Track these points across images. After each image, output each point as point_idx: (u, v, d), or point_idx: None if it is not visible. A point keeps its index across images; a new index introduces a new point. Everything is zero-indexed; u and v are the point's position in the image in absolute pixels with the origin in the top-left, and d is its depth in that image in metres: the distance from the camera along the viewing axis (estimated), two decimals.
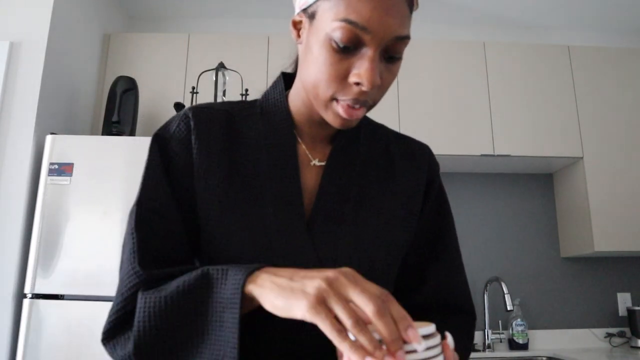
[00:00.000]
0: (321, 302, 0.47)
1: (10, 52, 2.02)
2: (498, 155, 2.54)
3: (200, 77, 2.43)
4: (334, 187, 0.71)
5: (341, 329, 0.46)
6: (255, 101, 0.78)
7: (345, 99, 0.61)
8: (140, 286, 0.60)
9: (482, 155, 2.53)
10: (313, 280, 0.49)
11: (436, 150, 2.50)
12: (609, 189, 2.54)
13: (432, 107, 2.57)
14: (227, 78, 2.34)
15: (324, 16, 0.60)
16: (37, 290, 1.78)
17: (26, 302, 1.76)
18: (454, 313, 0.76)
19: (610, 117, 2.64)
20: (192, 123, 0.71)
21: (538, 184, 2.88)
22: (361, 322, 0.46)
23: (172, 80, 2.52)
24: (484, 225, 2.79)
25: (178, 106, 2.33)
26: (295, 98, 0.73)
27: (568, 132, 2.60)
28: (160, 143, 0.71)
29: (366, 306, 0.46)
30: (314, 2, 0.62)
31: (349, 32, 0.58)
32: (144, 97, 2.46)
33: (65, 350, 1.72)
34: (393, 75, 0.64)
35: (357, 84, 0.60)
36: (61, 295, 1.79)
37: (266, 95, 0.77)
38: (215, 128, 0.71)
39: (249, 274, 0.54)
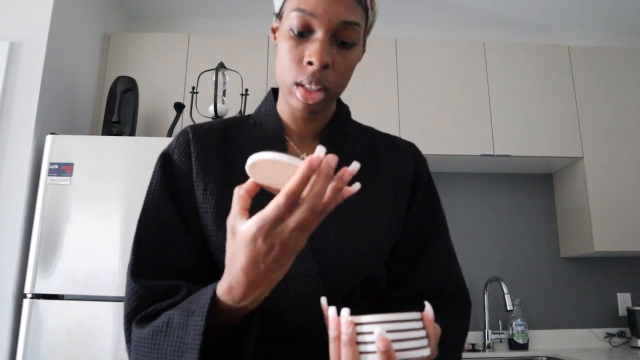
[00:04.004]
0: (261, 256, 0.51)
1: (10, 52, 2.02)
2: (498, 155, 2.54)
3: (200, 77, 2.43)
4: None
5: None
6: (249, 115, 0.84)
7: (302, 79, 0.68)
8: (136, 300, 0.66)
9: (482, 155, 2.53)
10: (273, 264, 0.51)
11: (436, 150, 2.50)
12: (609, 189, 2.53)
13: (432, 107, 2.57)
14: (227, 78, 2.34)
15: (285, 13, 0.70)
16: (37, 290, 1.78)
17: (26, 302, 1.76)
18: (447, 300, 0.78)
19: (610, 117, 2.64)
20: (190, 135, 0.77)
21: (538, 184, 2.88)
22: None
23: (172, 80, 2.52)
24: (484, 225, 2.79)
25: (178, 106, 2.33)
26: (281, 101, 0.79)
27: (568, 132, 2.60)
28: (164, 159, 0.76)
29: (300, 216, 0.49)
30: (282, 5, 0.72)
31: (300, 18, 0.67)
32: (144, 97, 2.46)
33: (65, 350, 1.72)
34: (349, 61, 0.70)
35: (310, 63, 0.67)
36: (61, 295, 1.79)
37: (258, 108, 0.83)
38: (212, 138, 0.77)
39: (208, 313, 0.57)
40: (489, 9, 2.94)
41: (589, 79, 2.68)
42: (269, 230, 0.49)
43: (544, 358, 2.42)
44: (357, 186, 0.50)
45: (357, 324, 0.51)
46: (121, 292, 1.78)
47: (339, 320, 0.51)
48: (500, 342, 2.55)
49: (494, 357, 2.42)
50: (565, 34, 3.15)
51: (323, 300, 0.55)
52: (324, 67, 0.67)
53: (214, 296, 0.57)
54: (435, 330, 0.55)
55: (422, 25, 3.09)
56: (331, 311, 0.52)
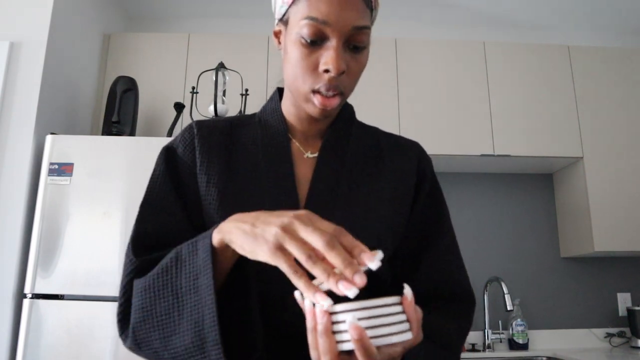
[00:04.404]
0: (279, 247, 0.52)
1: (10, 52, 2.02)
2: (498, 155, 2.54)
3: (200, 77, 2.43)
4: (327, 175, 0.76)
5: (297, 270, 0.51)
6: (254, 114, 0.85)
7: (318, 87, 0.69)
8: (135, 273, 0.67)
9: (482, 155, 2.53)
10: (271, 227, 0.53)
11: (436, 150, 2.50)
12: (609, 189, 2.53)
13: (432, 107, 2.57)
14: (227, 78, 2.34)
15: (294, 20, 0.70)
16: (37, 290, 1.78)
17: (26, 302, 1.76)
18: (449, 300, 0.78)
19: (610, 117, 2.64)
20: (195, 130, 0.79)
21: (538, 184, 2.88)
22: (313, 257, 0.50)
23: (172, 80, 2.52)
24: (484, 225, 2.79)
25: (178, 106, 2.33)
26: (286, 101, 0.81)
27: (568, 132, 2.60)
28: (167, 152, 0.78)
29: (316, 242, 0.50)
30: (287, 11, 0.71)
31: (313, 27, 0.67)
32: (144, 97, 2.46)
33: (65, 350, 1.72)
34: (360, 64, 0.71)
35: (326, 71, 0.68)
36: (61, 295, 1.79)
37: (264, 107, 0.84)
38: (216, 133, 0.79)
39: (214, 231, 0.59)
40: (489, 9, 2.94)
41: (589, 79, 2.68)
42: (292, 220, 0.52)
43: (544, 358, 2.42)
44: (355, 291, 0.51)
45: (332, 313, 0.51)
46: None
47: (314, 311, 0.52)
48: (500, 342, 2.55)
49: (494, 357, 2.42)
50: (565, 34, 3.15)
51: (297, 294, 0.54)
52: (341, 73, 0.68)
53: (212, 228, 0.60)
54: (417, 313, 0.55)
55: (422, 25, 3.09)
56: (307, 302, 0.53)
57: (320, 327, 0.51)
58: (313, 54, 0.68)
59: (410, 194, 0.80)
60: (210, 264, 0.58)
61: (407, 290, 0.54)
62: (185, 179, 0.76)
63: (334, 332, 0.51)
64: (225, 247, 0.58)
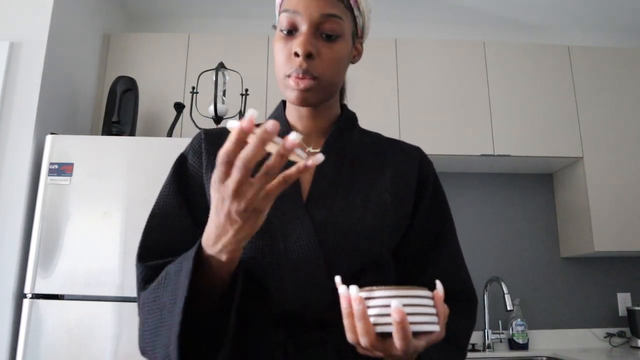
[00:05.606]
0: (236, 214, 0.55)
1: (10, 52, 2.02)
2: (498, 155, 2.54)
3: (200, 77, 2.43)
4: (328, 168, 0.79)
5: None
6: (260, 124, 0.87)
7: (291, 71, 0.74)
8: (141, 279, 0.72)
9: (482, 155, 2.53)
10: (231, 203, 0.54)
11: (436, 150, 2.50)
12: (609, 189, 2.53)
13: (432, 107, 2.57)
14: (227, 78, 2.34)
15: (279, 20, 0.78)
16: (37, 290, 1.78)
17: (26, 302, 1.76)
18: (455, 299, 0.80)
19: (610, 117, 2.64)
20: (203, 136, 0.84)
21: (538, 184, 2.88)
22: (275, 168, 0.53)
23: (172, 80, 2.52)
24: (483, 225, 2.79)
25: (178, 106, 2.33)
26: (289, 108, 0.85)
27: (568, 132, 2.60)
28: (179, 160, 0.83)
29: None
30: (279, 14, 0.79)
31: (287, 18, 0.75)
32: (144, 97, 2.46)
33: (65, 350, 1.72)
34: (334, 52, 0.76)
35: (296, 54, 0.73)
36: (61, 295, 1.79)
37: (268, 117, 0.87)
38: (223, 139, 0.82)
39: (196, 254, 0.62)
40: (489, 9, 2.94)
41: (589, 79, 2.68)
42: (217, 185, 0.54)
43: (544, 358, 2.42)
44: (320, 157, 0.52)
45: (369, 298, 0.54)
46: (121, 292, 1.78)
47: (349, 298, 0.55)
48: (500, 342, 2.55)
49: (494, 357, 2.42)
50: (565, 34, 3.15)
51: (337, 278, 0.58)
52: (309, 56, 0.73)
53: (200, 242, 0.62)
54: (444, 309, 0.57)
55: (422, 25, 3.09)
56: (341, 289, 0.56)
57: (357, 312, 0.54)
58: (288, 43, 0.75)
59: (411, 194, 0.82)
60: (185, 289, 0.60)
61: (439, 286, 0.57)
62: (193, 183, 0.80)
63: (372, 316, 0.54)
64: (225, 263, 0.61)
